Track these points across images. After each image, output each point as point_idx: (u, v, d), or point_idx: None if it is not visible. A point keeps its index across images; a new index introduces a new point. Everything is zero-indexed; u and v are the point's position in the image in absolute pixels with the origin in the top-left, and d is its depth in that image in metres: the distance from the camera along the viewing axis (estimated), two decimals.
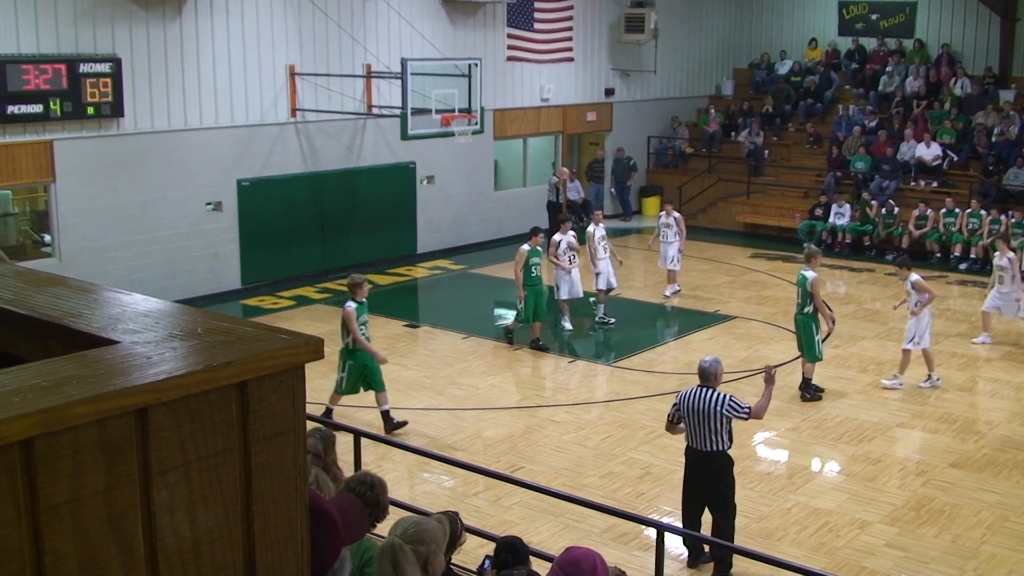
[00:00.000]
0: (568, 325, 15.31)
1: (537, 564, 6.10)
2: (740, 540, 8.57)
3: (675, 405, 8.46)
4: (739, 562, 7.93)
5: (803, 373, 12.66)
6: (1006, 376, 13.57)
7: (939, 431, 11.65)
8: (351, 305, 11.24)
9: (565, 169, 22.37)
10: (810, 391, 12.57)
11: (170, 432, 1.89)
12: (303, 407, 2.15)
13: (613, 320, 15.74)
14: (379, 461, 10.49)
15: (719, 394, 8.26)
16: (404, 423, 11.54)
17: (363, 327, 11.30)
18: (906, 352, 13.01)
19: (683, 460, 8.53)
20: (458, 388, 13.16)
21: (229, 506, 2.01)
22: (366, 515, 3.09)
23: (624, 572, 5.18)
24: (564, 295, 15.09)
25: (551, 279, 15.47)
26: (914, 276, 13.02)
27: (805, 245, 14.90)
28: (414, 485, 10.34)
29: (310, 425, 6.17)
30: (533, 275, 14.29)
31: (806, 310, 12.46)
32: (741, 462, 10.00)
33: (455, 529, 5.16)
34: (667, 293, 17.50)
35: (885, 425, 11.79)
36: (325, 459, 6.09)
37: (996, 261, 14.96)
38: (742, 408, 8.27)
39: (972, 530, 9.28)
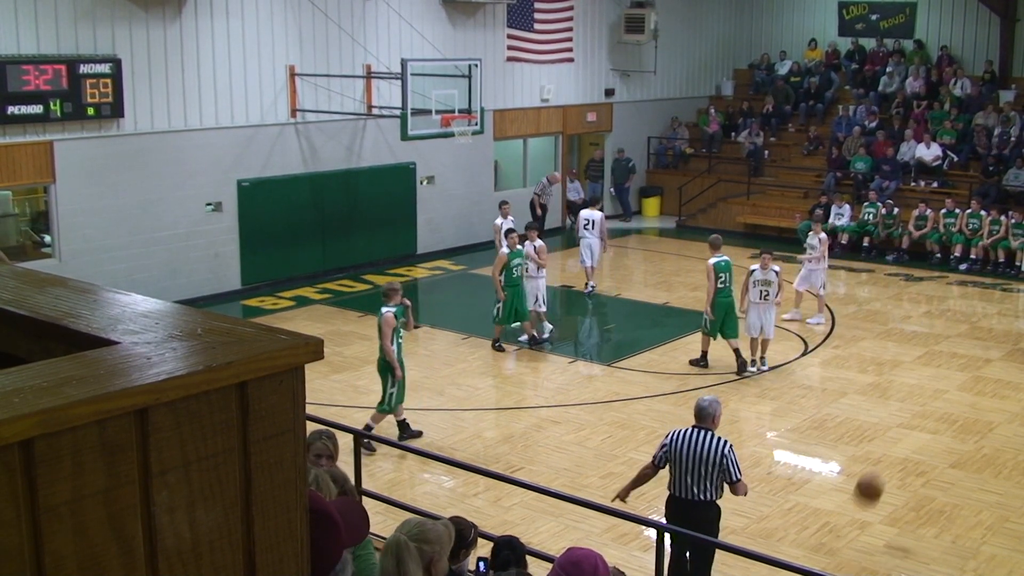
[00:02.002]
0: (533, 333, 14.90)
1: (537, 564, 6.10)
2: (740, 540, 8.57)
3: (664, 446, 7.51)
4: (739, 562, 7.92)
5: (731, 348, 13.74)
6: (1006, 376, 13.57)
7: (939, 431, 11.66)
8: (389, 310, 10.74)
9: (557, 174, 22.42)
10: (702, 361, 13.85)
11: (170, 432, 1.89)
12: (303, 407, 2.15)
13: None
14: (379, 461, 10.51)
15: (720, 438, 7.42)
16: (420, 433, 11.32)
17: (397, 335, 10.86)
18: (755, 340, 13.64)
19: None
20: (458, 388, 13.16)
21: (229, 506, 2.01)
22: (366, 517, 3.09)
23: (624, 573, 5.18)
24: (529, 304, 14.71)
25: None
26: (776, 266, 13.58)
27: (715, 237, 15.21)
28: (414, 485, 10.34)
29: (310, 426, 6.17)
30: (514, 276, 14.25)
31: (733, 290, 13.79)
32: (742, 462, 10.00)
33: (466, 536, 5.18)
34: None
35: (885, 425, 11.79)
36: (336, 458, 6.13)
37: (809, 240, 16.09)
38: (738, 472, 7.39)
39: (972, 530, 9.28)
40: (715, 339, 13.69)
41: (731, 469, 7.34)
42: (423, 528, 4.14)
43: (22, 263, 10.76)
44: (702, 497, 7.33)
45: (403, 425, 11.21)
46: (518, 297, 14.32)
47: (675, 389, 12.93)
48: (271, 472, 2.08)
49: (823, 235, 16.12)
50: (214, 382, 1.95)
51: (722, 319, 13.49)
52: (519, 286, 14.32)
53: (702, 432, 7.41)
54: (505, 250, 14.30)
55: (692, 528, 7.17)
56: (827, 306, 16.50)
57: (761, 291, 13.36)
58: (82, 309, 2.36)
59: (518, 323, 14.61)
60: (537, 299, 14.63)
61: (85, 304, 2.42)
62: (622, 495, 7.80)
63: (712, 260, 13.52)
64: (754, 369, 13.56)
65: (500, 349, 14.50)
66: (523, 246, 14.49)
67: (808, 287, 16.08)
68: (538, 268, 14.67)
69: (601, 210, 18.17)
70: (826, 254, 16.05)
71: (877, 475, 8.32)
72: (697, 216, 24.17)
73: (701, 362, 13.80)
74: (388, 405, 10.94)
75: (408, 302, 11.41)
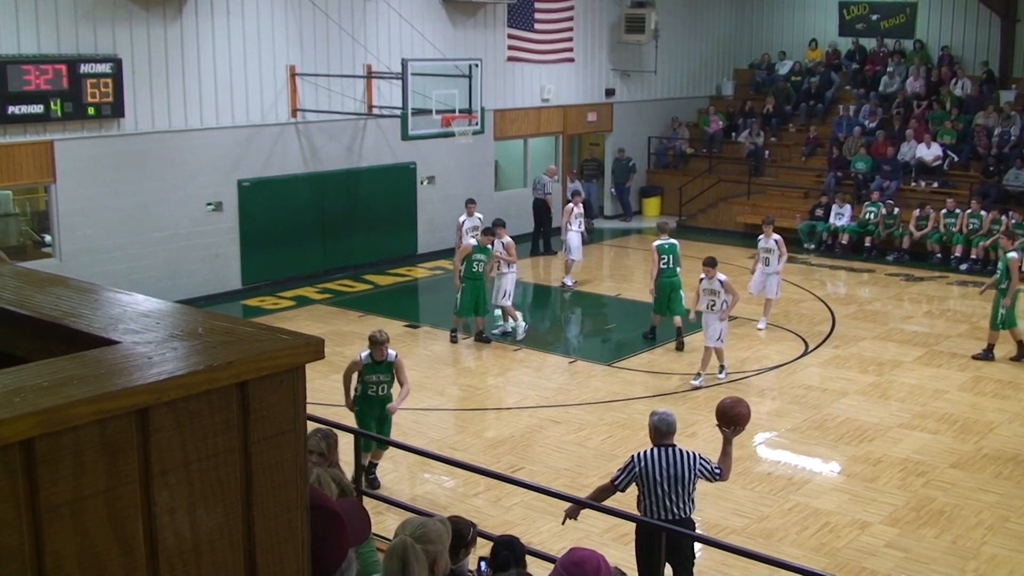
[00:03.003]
0: (508, 327, 15.11)
1: (538, 564, 6.10)
2: (740, 540, 8.57)
3: (629, 471, 7.17)
4: (739, 562, 7.92)
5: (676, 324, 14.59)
6: (1006, 376, 13.57)
7: (939, 432, 11.65)
8: (363, 356, 9.82)
9: (553, 167, 22.43)
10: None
11: (171, 432, 1.89)
12: (303, 407, 2.15)
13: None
14: (379, 461, 10.49)
15: (688, 452, 7.23)
16: (378, 485, 10.10)
17: (375, 385, 9.87)
18: (708, 350, 13.11)
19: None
20: (458, 388, 13.16)
21: (230, 506, 2.01)
22: (367, 518, 3.10)
23: (625, 573, 5.18)
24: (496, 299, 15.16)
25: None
26: (722, 276, 13.09)
27: (663, 221, 16.96)
28: (414, 485, 10.35)
29: (310, 425, 6.17)
30: (474, 270, 14.43)
31: (678, 270, 14.79)
32: (742, 462, 10.03)
33: (464, 535, 5.20)
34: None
35: (885, 426, 11.78)
36: (329, 458, 6.12)
37: (762, 244, 15.56)
38: (714, 467, 7.26)
39: (973, 531, 9.28)
40: (663, 316, 14.76)
41: (709, 475, 7.22)
42: (425, 528, 4.17)
43: (22, 263, 10.76)
44: (683, 515, 7.17)
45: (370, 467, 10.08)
46: (479, 292, 14.53)
47: (675, 389, 12.93)
48: (272, 472, 2.08)
49: (777, 236, 15.40)
50: (215, 382, 1.95)
51: (667, 296, 14.61)
52: (480, 281, 14.51)
53: (671, 450, 7.17)
54: (472, 242, 14.69)
55: (678, 546, 7.08)
56: (828, 306, 16.50)
57: (708, 301, 13.05)
58: (83, 309, 2.36)
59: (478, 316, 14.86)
60: (505, 294, 14.97)
61: (86, 304, 2.42)
62: (571, 513, 7.43)
63: (656, 243, 14.76)
64: (723, 376, 13.21)
65: (454, 340, 14.81)
66: (492, 245, 14.72)
67: (761, 291, 15.54)
68: (508, 264, 14.95)
69: (572, 201, 18.71)
70: (784, 256, 15.47)
71: (737, 403, 7.51)
72: (697, 216, 24.17)
73: (649, 335, 15.01)
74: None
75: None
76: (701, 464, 7.17)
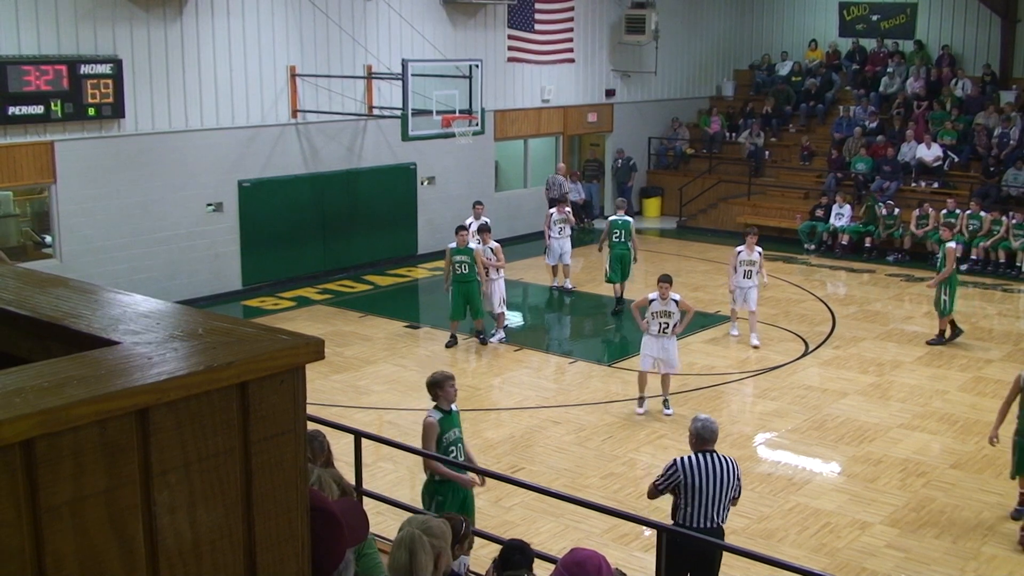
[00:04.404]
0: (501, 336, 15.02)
1: (538, 564, 6.10)
2: (741, 541, 8.57)
3: (671, 476, 7.00)
4: (739, 562, 7.92)
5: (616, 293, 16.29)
6: (1007, 377, 13.55)
7: (940, 432, 11.65)
8: (433, 416, 8.09)
9: (563, 165, 22.45)
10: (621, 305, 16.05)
11: (171, 433, 1.90)
12: (303, 408, 2.15)
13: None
14: (379, 461, 10.50)
15: (731, 459, 7.15)
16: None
17: (455, 446, 8.18)
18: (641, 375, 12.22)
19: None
20: (458, 389, 13.14)
21: (230, 506, 2.01)
22: (366, 518, 3.11)
23: (625, 573, 5.18)
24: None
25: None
26: (676, 295, 12.05)
27: (620, 199, 18.12)
28: (414, 485, 10.34)
29: (310, 426, 6.17)
30: (457, 272, 14.39)
31: (629, 244, 16.43)
32: (742, 463, 10.00)
33: (458, 530, 5.25)
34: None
35: (886, 426, 11.79)
36: (317, 461, 6.06)
37: (744, 256, 14.88)
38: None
39: (973, 531, 9.28)
40: (618, 283, 16.42)
41: (740, 485, 7.23)
42: (429, 523, 4.24)
43: (23, 263, 10.77)
44: (721, 522, 7.06)
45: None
46: (467, 294, 14.43)
47: (675, 389, 12.92)
48: (272, 472, 2.08)
49: (759, 249, 15.05)
50: (215, 382, 1.95)
51: (619, 267, 16.40)
52: (467, 283, 14.41)
53: (714, 456, 7.03)
54: (452, 244, 14.54)
55: (712, 555, 6.98)
56: (828, 307, 16.50)
57: (660, 323, 11.92)
58: (83, 309, 2.36)
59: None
60: (501, 300, 14.95)
61: (86, 304, 2.42)
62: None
63: (612, 217, 16.64)
64: (670, 412, 12.00)
65: (449, 345, 14.72)
66: (479, 246, 14.71)
67: (743, 305, 14.90)
68: (497, 270, 14.90)
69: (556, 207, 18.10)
70: (764, 272, 15.09)
71: None
72: (698, 216, 24.17)
73: (618, 307, 16.52)
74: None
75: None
76: (739, 477, 7.12)
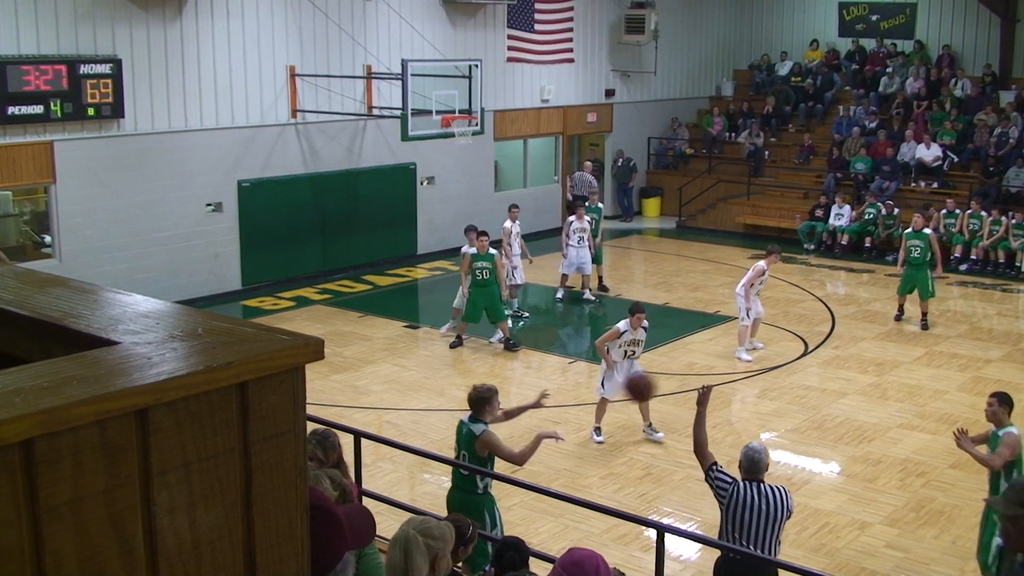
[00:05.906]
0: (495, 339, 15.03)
1: (538, 565, 6.10)
2: None
3: (724, 490, 6.75)
4: None
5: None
6: (1006, 376, 13.56)
7: (939, 432, 11.64)
8: (481, 427, 7.81)
9: (589, 163, 22.53)
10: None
11: (170, 433, 1.90)
12: (303, 408, 2.15)
13: (527, 313, 16.59)
14: (379, 461, 10.50)
15: (783, 489, 6.81)
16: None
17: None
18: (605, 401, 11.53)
19: (683, 461, 8.45)
20: (458, 389, 13.13)
21: (229, 506, 2.01)
22: (372, 522, 3.11)
23: (624, 573, 5.18)
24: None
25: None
26: (646, 322, 11.41)
27: (592, 190, 18.92)
28: (414, 486, 10.35)
29: (310, 426, 6.17)
30: (478, 278, 14.35)
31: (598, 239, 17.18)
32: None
33: (464, 533, 5.24)
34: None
35: (885, 426, 11.79)
36: (328, 461, 6.07)
37: (762, 266, 14.15)
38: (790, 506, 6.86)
39: (973, 531, 9.26)
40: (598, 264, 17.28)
41: (791, 511, 6.85)
42: (428, 525, 4.22)
43: (22, 263, 10.77)
44: (771, 555, 6.66)
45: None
46: (488, 298, 14.40)
47: (675, 389, 12.92)
48: (271, 472, 2.08)
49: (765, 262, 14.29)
50: (214, 382, 1.95)
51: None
52: (487, 287, 14.38)
53: (765, 487, 6.70)
54: (472, 250, 14.48)
55: None
56: (828, 307, 16.49)
57: (627, 351, 11.28)
58: (83, 309, 2.36)
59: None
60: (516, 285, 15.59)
61: (86, 304, 2.42)
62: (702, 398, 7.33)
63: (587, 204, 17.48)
64: (660, 435, 11.30)
65: (454, 345, 14.71)
66: (496, 251, 14.69)
67: (756, 315, 14.30)
68: (513, 270, 15.44)
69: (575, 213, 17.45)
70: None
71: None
72: (697, 217, 24.17)
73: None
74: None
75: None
76: (791, 502, 6.77)
